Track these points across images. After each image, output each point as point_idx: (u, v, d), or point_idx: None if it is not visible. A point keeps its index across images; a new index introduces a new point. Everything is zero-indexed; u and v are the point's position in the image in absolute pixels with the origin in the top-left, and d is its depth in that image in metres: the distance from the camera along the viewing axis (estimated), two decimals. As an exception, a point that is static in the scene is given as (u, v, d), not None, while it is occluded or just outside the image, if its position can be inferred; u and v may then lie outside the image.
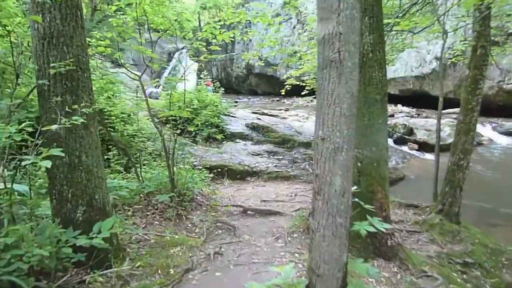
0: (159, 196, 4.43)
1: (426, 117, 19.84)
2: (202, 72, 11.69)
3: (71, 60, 2.99)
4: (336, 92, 2.23)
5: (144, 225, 4.31)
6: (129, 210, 4.60)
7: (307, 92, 9.12)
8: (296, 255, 3.98)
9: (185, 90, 5.70)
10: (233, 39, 35.09)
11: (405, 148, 13.61)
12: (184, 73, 6.19)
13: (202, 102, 9.50)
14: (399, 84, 24.20)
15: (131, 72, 5.30)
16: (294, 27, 29.36)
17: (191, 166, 7.10)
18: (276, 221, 5.28)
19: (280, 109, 21.16)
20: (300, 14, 28.79)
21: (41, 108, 3.05)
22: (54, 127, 2.68)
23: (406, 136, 14.12)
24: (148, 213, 4.56)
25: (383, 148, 4.37)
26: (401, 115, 21.38)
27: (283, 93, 9.97)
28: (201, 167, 7.34)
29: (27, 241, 2.62)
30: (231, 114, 11.47)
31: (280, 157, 9.44)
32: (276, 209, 5.87)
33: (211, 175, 7.28)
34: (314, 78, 9.61)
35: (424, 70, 21.77)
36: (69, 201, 3.06)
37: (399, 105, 24.64)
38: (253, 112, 17.47)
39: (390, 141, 14.33)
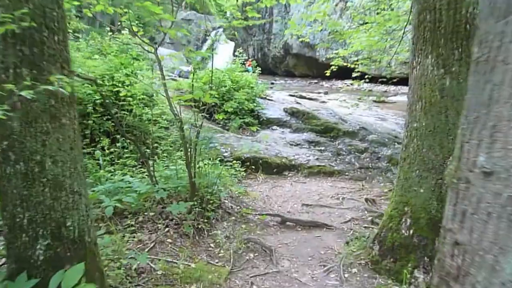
0: (172, 207, 3.32)
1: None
2: (238, 51, 10.43)
3: (33, 12, 1.87)
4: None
5: (152, 244, 3.22)
6: (137, 219, 3.54)
7: (357, 74, 7.71)
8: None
9: (212, 69, 4.47)
10: (270, 19, 33.48)
11: (460, 140, 11.94)
12: (211, 49, 4.98)
13: (236, 83, 8.32)
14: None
15: (145, 43, 4.15)
16: (336, 5, 27.36)
17: (221, 158, 6.00)
18: (324, 238, 4.09)
19: (319, 92, 19.67)
20: (344, -9, 26.77)
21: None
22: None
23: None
24: (159, 226, 3.47)
25: None
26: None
27: (327, 74, 8.63)
28: (232, 159, 6.23)
29: None
30: (267, 97, 10.24)
31: (322, 148, 8.16)
32: (322, 219, 4.67)
33: (244, 168, 6.17)
34: (366, 58, 8.18)
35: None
36: (25, 231, 1.99)
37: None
38: (291, 95, 16.18)
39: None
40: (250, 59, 33.18)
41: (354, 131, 9.17)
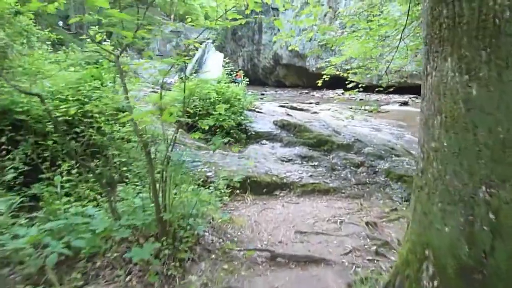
0: (133, 252, 2.63)
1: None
2: (224, 61, 9.84)
3: None
4: None
5: (107, 302, 2.53)
6: (94, 264, 2.84)
7: (352, 85, 7.14)
8: None
9: (185, 81, 3.76)
10: (260, 28, 33.15)
11: (457, 150, 11.40)
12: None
13: (221, 95, 7.67)
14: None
15: (106, 51, 3.49)
16: (325, 15, 27.07)
17: (203, 179, 5.34)
18: (322, 277, 3.42)
19: (310, 103, 19.14)
20: (332, 0, 26.49)
21: None
22: None
23: (459, 136, 11.88)
24: (120, 273, 2.78)
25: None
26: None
27: (319, 84, 8.03)
28: (216, 180, 5.57)
29: None
30: (256, 109, 9.61)
31: (316, 163, 7.52)
32: (318, 250, 4.01)
33: (230, 189, 5.51)
34: (362, 66, 7.61)
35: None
36: None
37: (440, 99, 22.15)
38: (281, 106, 15.64)
39: None
40: (238, 70, 32.79)
41: (349, 143, 8.57)
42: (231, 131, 7.26)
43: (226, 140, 6.77)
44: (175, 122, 3.79)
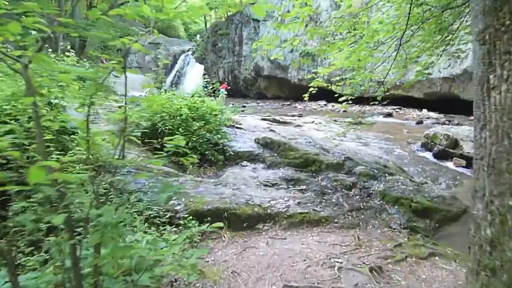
0: None
1: (458, 124, 16.90)
2: (204, 74, 8.84)
3: None
4: None
5: None
6: None
7: (344, 97, 6.25)
8: None
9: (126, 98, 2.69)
10: (240, 39, 32.37)
11: (449, 164, 10.70)
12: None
13: (195, 110, 6.65)
14: (425, 86, 21.13)
15: (10, 58, 2.44)
16: (306, 25, 26.44)
17: (170, 215, 4.31)
18: None
19: (293, 115, 18.28)
20: (313, 12, 25.91)
21: None
22: None
23: (450, 150, 11.19)
24: None
25: None
26: (429, 121, 18.43)
27: (306, 98, 7.12)
28: (186, 215, 4.55)
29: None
30: (236, 125, 8.63)
31: (304, 187, 6.57)
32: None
33: (203, 227, 4.49)
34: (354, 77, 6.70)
35: (454, 71, 18.74)
36: None
37: (424, 110, 21.66)
38: (263, 119, 14.73)
39: (429, 155, 11.47)
40: (223, 82, 31.87)
41: (339, 162, 7.67)
42: (206, 152, 6.24)
43: (195, 161, 5.78)
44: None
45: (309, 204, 6.00)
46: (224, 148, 6.64)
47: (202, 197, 5.02)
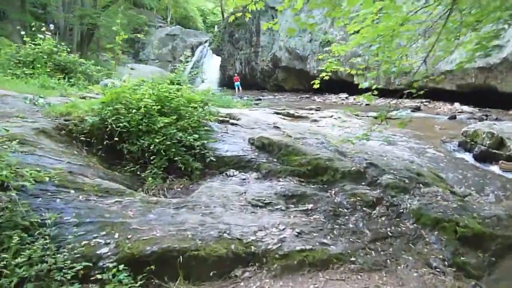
0: None
1: (497, 119, 14.56)
2: (185, 55, 7.08)
3: None
4: None
5: None
6: None
7: (371, 85, 4.38)
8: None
9: None
10: (258, 29, 30.44)
11: (494, 169, 8.63)
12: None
13: (165, 101, 4.86)
14: (457, 77, 18.66)
15: None
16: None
17: (85, 266, 2.62)
18: None
19: (311, 109, 16.30)
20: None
21: None
22: None
23: (494, 150, 9.08)
24: None
25: None
26: (463, 116, 16.11)
27: (316, 86, 5.30)
28: (115, 263, 2.83)
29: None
30: (231, 120, 6.84)
31: (310, 207, 4.73)
32: None
33: (143, 276, 2.81)
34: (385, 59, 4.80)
35: (491, 60, 16.28)
36: None
37: (456, 104, 19.21)
38: (276, 113, 12.94)
39: (469, 157, 9.40)
40: (236, 75, 30.09)
41: (359, 170, 5.80)
42: (176, 158, 4.48)
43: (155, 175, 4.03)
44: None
45: (315, 234, 4.17)
46: (204, 152, 4.84)
47: (149, 230, 3.28)
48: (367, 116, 14.39)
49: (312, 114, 14.23)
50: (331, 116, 13.77)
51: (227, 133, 5.95)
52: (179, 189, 4.36)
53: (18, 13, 17.61)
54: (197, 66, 35.53)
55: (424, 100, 20.92)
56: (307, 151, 5.75)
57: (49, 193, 3.30)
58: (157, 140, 4.36)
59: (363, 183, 5.62)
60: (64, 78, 8.91)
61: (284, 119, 11.15)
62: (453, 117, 15.62)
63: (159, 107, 4.65)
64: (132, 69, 25.22)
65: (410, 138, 11.24)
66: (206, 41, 38.93)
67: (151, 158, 4.42)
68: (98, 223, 3.18)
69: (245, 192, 4.54)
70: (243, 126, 6.77)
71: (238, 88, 27.99)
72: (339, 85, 22.97)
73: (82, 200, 3.40)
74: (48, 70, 8.84)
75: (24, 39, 9.67)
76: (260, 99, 23.28)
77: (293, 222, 4.24)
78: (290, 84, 29.19)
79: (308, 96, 25.79)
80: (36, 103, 5.42)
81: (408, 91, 4.66)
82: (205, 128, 5.35)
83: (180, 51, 37.18)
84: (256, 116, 8.62)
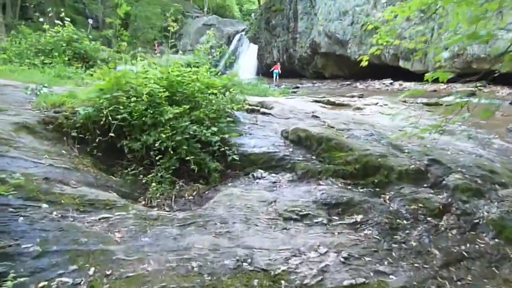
0: None
1: None
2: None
3: None
4: None
5: None
6: None
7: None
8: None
9: None
10: (295, 15, 29.00)
11: None
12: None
13: (177, 85, 3.88)
14: (519, 58, 16.35)
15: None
16: (370, -8, 22.53)
17: None
18: None
19: (353, 96, 14.90)
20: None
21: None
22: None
23: None
24: None
25: None
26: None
27: (364, 63, 4.13)
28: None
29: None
30: (262, 109, 5.81)
31: (358, 219, 3.63)
32: None
33: None
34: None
35: None
36: None
37: (516, 87, 16.99)
38: (315, 101, 11.75)
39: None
40: (278, 63, 28.93)
41: (420, 168, 4.60)
42: (188, 158, 3.53)
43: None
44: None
45: (368, 259, 3.08)
46: (224, 148, 3.86)
47: (138, 261, 2.35)
48: (417, 103, 12.86)
49: (355, 101, 12.87)
50: (376, 104, 12.35)
51: (256, 124, 4.92)
52: (191, 196, 3.41)
53: (55, 6, 17.51)
54: (233, 55, 34.70)
55: (479, 84, 18.78)
56: (354, 145, 4.61)
57: (11, 210, 2.45)
58: (164, 135, 3.43)
59: (425, 185, 4.43)
60: (82, 66, 8.34)
61: (324, 107, 9.98)
62: (537, 112, 13.65)
63: (168, 94, 3.71)
64: (167, 59, 24.72)
65: (469, 127, 9.66)
66: (242, 30, 37.90)
67: (158, 157, 3.50)
68: (69, 252, 2.29)
69: (275, 201, 3.51)
70: (276, 116, 5.72)
71: (276, 76, 26.89)
72: (383, 70, 21.25)
73: (54, 218, 2.53)
74: (67, 58, 8.31)
75: (44, 26, 9.18)
76: (298, 87, 22.05)
77: (338, 242, 3.17)
78: (329, 70, 27.61)
79: (349, 83, 24.17)
80: (38, 93, 4.69)
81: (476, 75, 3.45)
82: (228, 119, 4.35)
83: (217, 40, 36.42)
84: (292, 105, 7.53)
